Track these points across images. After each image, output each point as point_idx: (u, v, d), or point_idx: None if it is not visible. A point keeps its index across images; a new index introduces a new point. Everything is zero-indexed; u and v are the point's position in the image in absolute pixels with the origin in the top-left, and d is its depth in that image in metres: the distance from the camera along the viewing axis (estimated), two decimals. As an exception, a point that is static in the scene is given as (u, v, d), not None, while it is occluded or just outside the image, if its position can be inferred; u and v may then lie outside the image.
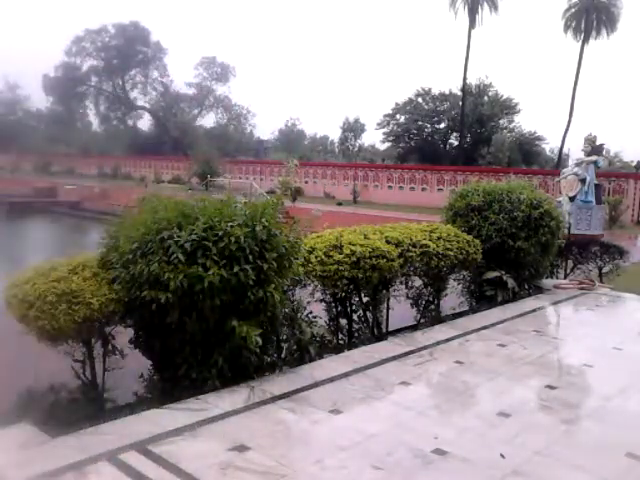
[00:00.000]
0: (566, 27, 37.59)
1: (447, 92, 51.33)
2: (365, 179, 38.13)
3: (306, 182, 39.46)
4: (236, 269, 4.24)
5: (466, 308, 8.20)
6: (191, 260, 4.19)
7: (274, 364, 5.02)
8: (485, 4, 38.81)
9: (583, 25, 36.44)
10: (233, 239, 4.26)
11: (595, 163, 20.17)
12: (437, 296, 7.56)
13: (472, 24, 38.90)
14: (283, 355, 5.23)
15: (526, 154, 49.97)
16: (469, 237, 7.63)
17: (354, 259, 5.87)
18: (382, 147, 61.68)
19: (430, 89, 52.30)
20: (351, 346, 6.04)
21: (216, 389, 4.32)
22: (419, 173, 37.13)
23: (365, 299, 6.54)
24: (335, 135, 67.96)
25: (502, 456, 3.48)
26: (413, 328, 7.06)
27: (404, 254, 6.45)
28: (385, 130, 54.79)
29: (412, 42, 68.42)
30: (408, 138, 53.41)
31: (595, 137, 20.79)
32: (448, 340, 5.87)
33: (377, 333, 6.71)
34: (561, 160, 41.36)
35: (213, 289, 4.17)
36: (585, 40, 36.87)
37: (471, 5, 38.48)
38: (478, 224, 8.21)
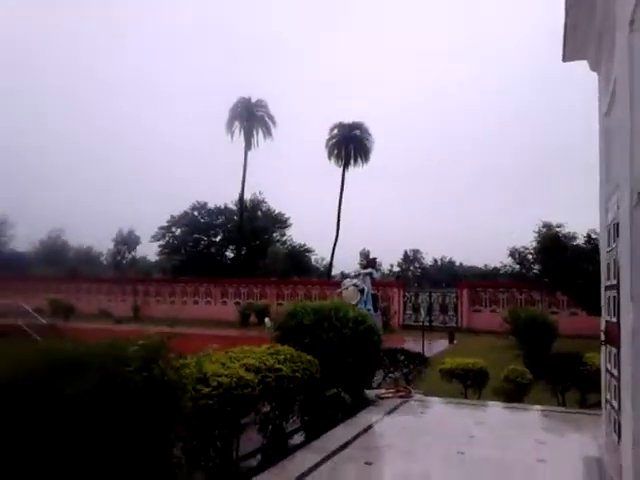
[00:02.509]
0: (330, 154, 42.61)
1: (222, 206, 53.36)
2: (146, 294, 36.80)
3: (78, 299, 36.62)
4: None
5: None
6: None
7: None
8: (260, 130, 42.25)
9: (343, 153, 41.72)
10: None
11: (370, 275, 22.59)
12: (285, 419, 7.58)
13: (248, 146, 41.85)
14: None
15: (296, 265, 53.50)
16: (309, 357, 7.92)
17: (221, 391, 5.71)
18: (156, 259, 60.42)
19: (206, 203, 53.85)
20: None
21: None
22: (202, 286, 37.07)
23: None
24: (103, 247, 64.34)
25: None
26: (261, 453, 6.92)
27: (264, 380, 6.46)
28: (161, 242, 54.26)
29: (190, 158, 71.45)
30: (185, 251, 53.51)
31: (369, 251, 23.33)
32: (317, 465, 5.90)
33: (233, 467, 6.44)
34: (332, 270, 45.09)
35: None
36: (345, 166, 42.08)
37: (247, 130, 41.52)
38: (310, 342, 8.57)
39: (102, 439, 3.74)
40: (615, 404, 4.91)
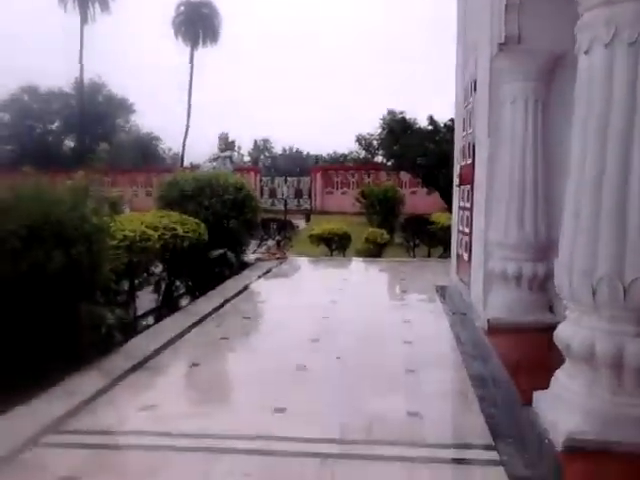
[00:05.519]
0: (177, 33, 40.21)
1: (56, 90, 48.62)
2: (-20, 185, 33.54)
3: None
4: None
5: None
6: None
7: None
8: (97, 2, 38.38)
9: (191, 33, 39.63)
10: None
11: (230, 158, 22.83)
12: (178, 278, 8.13)
13: (84, 20, 38.05)
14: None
15: (144, 154, 51.30)
16: (197, 220, 8.41)
17: (127, 243, 6.11)
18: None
19: (38, 86, 48.69)
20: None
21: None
22: (47, 176, 34.62)
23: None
24: None
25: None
26: (157, 311, 7.49)
27: (162, 237, 6.90)
28: (-15, 131, 48.68)
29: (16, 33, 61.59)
30: (17, 140, 48.65)
31: (227, 135, 23.46)
32: (224, 303, 6.68)
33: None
34: (184, 158, 44.09)
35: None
36: (194, 46, 40.17)
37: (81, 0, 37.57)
38: (194, 209, 9.01)
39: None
40: (467, 230, 6.13)
